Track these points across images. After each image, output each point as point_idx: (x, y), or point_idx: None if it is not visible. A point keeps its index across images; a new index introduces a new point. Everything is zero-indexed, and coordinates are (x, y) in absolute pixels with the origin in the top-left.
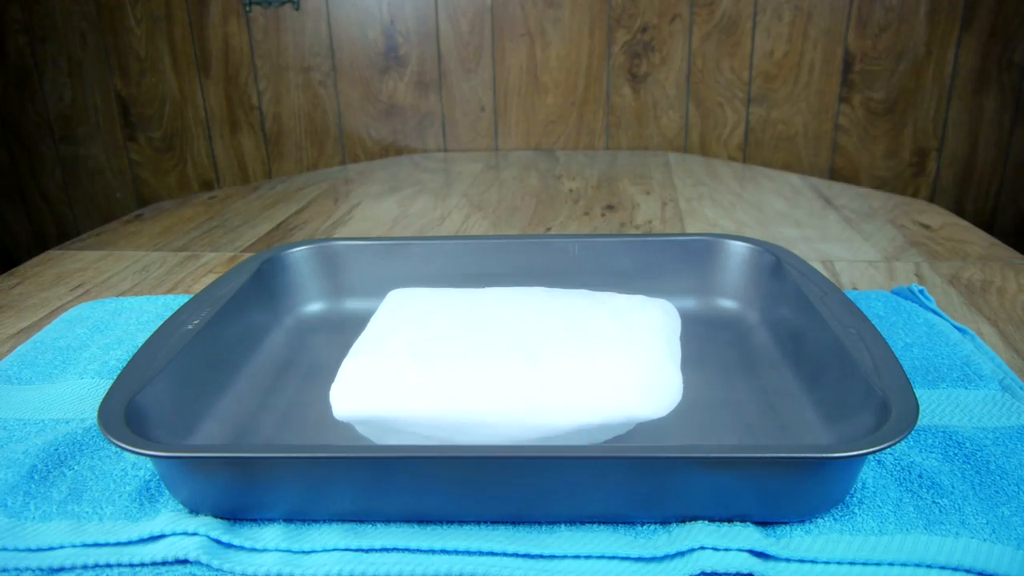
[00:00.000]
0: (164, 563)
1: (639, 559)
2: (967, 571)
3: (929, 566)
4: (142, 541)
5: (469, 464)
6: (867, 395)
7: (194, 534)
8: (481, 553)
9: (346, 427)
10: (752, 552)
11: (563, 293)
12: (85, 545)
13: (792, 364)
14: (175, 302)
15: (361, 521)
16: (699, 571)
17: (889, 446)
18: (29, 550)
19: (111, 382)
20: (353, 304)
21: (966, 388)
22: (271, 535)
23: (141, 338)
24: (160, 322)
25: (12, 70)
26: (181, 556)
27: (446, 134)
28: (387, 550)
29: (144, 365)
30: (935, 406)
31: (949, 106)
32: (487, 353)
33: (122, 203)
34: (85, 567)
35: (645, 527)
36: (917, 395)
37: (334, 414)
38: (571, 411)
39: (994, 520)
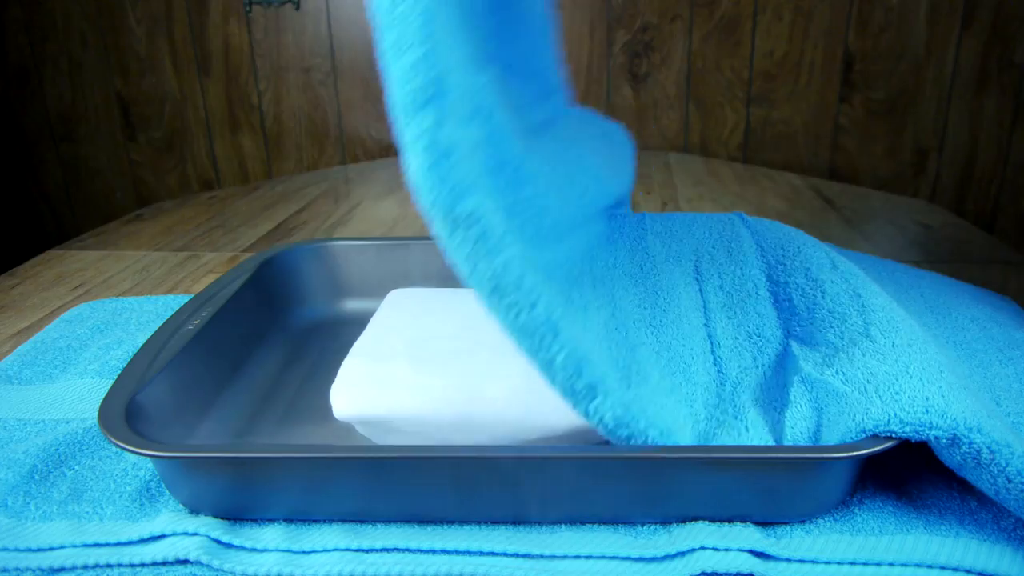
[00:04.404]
0: (164, 563)
1: (639, 559)
2: (967, 571)
3: (929, 566)
4: (142, 541)
5: (469, 464)
6: None
7: (194, 534)
8: (481, 553)
9: (346, 427)
10: (752, 552)
11: None
12: (85, 545)
13: None
14: (175, 302)
15: (361, 521)
16: (699, 571)
17: (889, 447)
18: (29, 550)
19: (111, 382)
20: (353, 304)
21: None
22: (271, 535)
23: (141, 338)
24: (160, 322)
25: (12, 70)
26: (181, 556)
27: None
28: (387, 550)
29: (144, 365)
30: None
31: (949, 106)
32: (487, 353)
33: (122, 203)
34: (85, 567)
35: (645, 527)
36: None
37: (334, 414)
38: (571, 411)
39: (994, 520)
